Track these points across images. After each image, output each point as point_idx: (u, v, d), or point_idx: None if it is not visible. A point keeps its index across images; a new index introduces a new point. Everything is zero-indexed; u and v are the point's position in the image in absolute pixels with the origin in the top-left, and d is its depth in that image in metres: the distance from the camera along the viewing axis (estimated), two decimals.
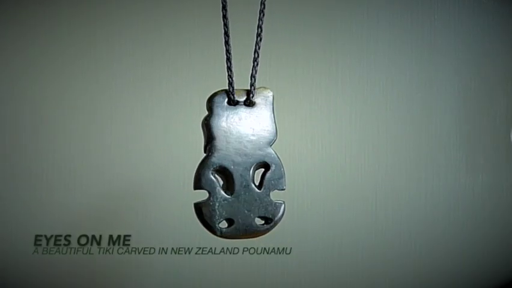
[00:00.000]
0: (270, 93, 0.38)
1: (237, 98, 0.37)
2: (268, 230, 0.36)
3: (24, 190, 0.62)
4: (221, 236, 0.36)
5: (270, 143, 0.37)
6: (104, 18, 0.62)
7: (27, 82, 0.62)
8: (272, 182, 0.36)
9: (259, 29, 0.38)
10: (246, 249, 0.61)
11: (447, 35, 0.60)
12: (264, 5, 0.38)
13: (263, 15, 0.38)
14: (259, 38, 0.38)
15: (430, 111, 0.60)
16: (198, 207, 0.37)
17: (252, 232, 0.36)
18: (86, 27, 0.62)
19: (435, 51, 0.60)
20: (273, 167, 0.36)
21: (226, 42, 0.39)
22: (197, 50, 0.61)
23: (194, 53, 0.61)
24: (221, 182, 0.37)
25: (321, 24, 0.61)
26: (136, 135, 0.61)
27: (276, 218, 0.36)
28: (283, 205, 0.36)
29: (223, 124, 0.37)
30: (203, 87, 0.61)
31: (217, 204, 0.36)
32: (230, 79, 0.38)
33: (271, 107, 0.37)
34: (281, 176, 0.36)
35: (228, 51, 0.39)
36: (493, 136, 0.60)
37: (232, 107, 0.37)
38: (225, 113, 0.37)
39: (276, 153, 0.37)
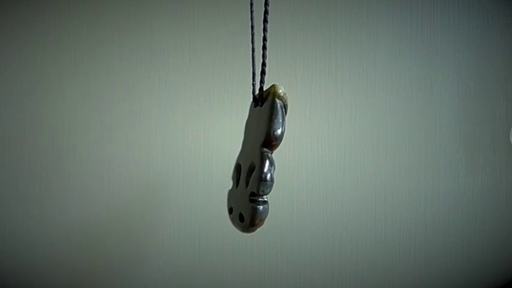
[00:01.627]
0: (274, 90, 0.36)
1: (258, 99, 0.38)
2: (244, 229, 0.35)
3: (25, 190, 0.62)
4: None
5: (263, 143, 0.35)
6: (104, 18, 0.62)
7: (27, 82, 0.62)
8: (252, 183, 0.35)
9: (265, 30, 0.38)
10: (246, 249, 0.61)
11: (447, 35, 0.60)
12: (267, 2, 0.38)
13: (267, 12, 0.38)
14: (264, 37, 0.38)
15: (430, 111, 0.60)
16: (227, 193, 0.40)
17: (236, 226, 0.37)
18: (87, 27, 0.62)
19: (435, 51, 0.60)
20: (256, 169, 0.35)
21: (253, 49, 0.40)
22: (196, 49, 0.61)
23: (193, 53, 0.61)
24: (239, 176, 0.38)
25: (321, 24, 0.61)
26: (136, 135, 0.61)
27: (247, 219, 0.34)
28: (257, 208, 0.34)
29: (247, 124, 0.39)
30: (202, 86, 0.61)
31: (230, 194, 0.39)
32: (253, 84, 0.39)
33: (272, 105, 0.35)
34: (258, 180, 0.34)
35: (253, 58, 0.40)
36: (493, 136, 0.60)
37: (255, 108, 0.38)
38: (250, 115, 0.39)
39: (262, 155, 0.35)
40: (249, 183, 0.35)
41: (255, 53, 0.40)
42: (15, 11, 0.62)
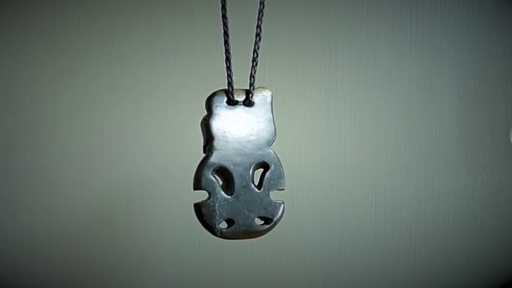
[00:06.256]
0: (269, 93, 0.37)
1: (236, 98, 0.37)
2: (268, 230, 0.36)
3: (24, 190, 0.62)
4: (221, 237, 0.36)
5: (269, 143, 0.37)
6: (104, 18, 0.62)
7: (27, 82, 0.62)
8: (271, 182, 0.36)
9: (258, 29, 0.38)
10: (246, 249, 0.61)
11: (447, 35, 0.60)
12: (263, 4, 0.38)
13: (262, 15, 0.38)
14: (258, 38, 0.38)
15: (430, 111, 0.60)
16: (198, 208, 0.36)
17: (252, 232, 0.36)
18: (87, 27, 0.62)
19: (435, 51, 0.60)
20: (272, 167, 0.36)
21: (226, 42, 0.39)
22: (196, 50, 0.61)
23: (193, 53, 0.61)
24: (221, 183, 0.37)
25: (320, 24, 0.61)
26: (136, 135, 0.61)
27: (275, 218, 0.36)
28: (282, 205, 0.36)
29: (222, 124, 0.36)
30: (202, 87, 0.61)
31: (217, 204, 0.36)
32: (229, 79, 0.38)
33: (270, 107, 0.37)
34: (281, 176, 0.36)
35: (227, 51, 0.39)
36: (493, 136, 0.60)
37: (232, 106, 0.37)
38: (224, 113, 0.37)
39: (275, 153, 0.37)
40: (267, 183, 0.36)
41: (228, 45, 0.39)
42: (15, 11, 0.62)
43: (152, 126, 0.61)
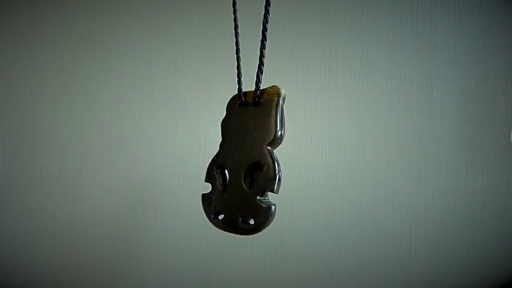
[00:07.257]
0: (278, 91, 0.37)
1: (248, 99, 0.38)
2: (251, 232, 0.35)
3: (24, 190, 0.62)
4: (215, 226, 0.37)
5: (269, 143, 0.36)
6: (105, 19, 0.62)
7: (28, 82, 0.62)
8: (262, 183, 0.35)
9: (264, 27, 0.38)
10: (246, 249, 0.61)
11: (447, 35, 0.60)
12: (269, 1, 0.38)
13: (268, 13, 0.38)
14: (264, 36, 0.38)
15: (430, 111, 0.60)
16: (201, 198, 0.38)
17: (235, 229, 0.36)
18: (87, 28, 0.62)
19: (435, 52, 0.60)
20: (264, 168, 0.35)
21: (237, 51, 0.40)
22: (197, 50, 0.61)
23: (194, 53, 0.61)
24: (222, 178, 0.38)
25: (321, 24, 0.61)
26: (137, 135, 0.62)
27: (257, 221, 0.35)
28: (270, 208, 0.35)
29: (232, 124, 0.38)
30: (203, 88, 0.61)
31: (213, 197, 0.37)
32: (239, 84, 0.39)
33: (276, 105, 0.37)
34: (273, 178, 0.35)
35: (238, 59, 0.40)
36: (493, 136, 0.60)
37: (243, 108, 0.38)
38: (234, 114, 0.38)
39: (272, 154, 0.36)
40: (257, 184, 0.35)
41: (239, 51, 0.40)
42: (15, 11, 0.62)
43: (153, 126, 0.61)
